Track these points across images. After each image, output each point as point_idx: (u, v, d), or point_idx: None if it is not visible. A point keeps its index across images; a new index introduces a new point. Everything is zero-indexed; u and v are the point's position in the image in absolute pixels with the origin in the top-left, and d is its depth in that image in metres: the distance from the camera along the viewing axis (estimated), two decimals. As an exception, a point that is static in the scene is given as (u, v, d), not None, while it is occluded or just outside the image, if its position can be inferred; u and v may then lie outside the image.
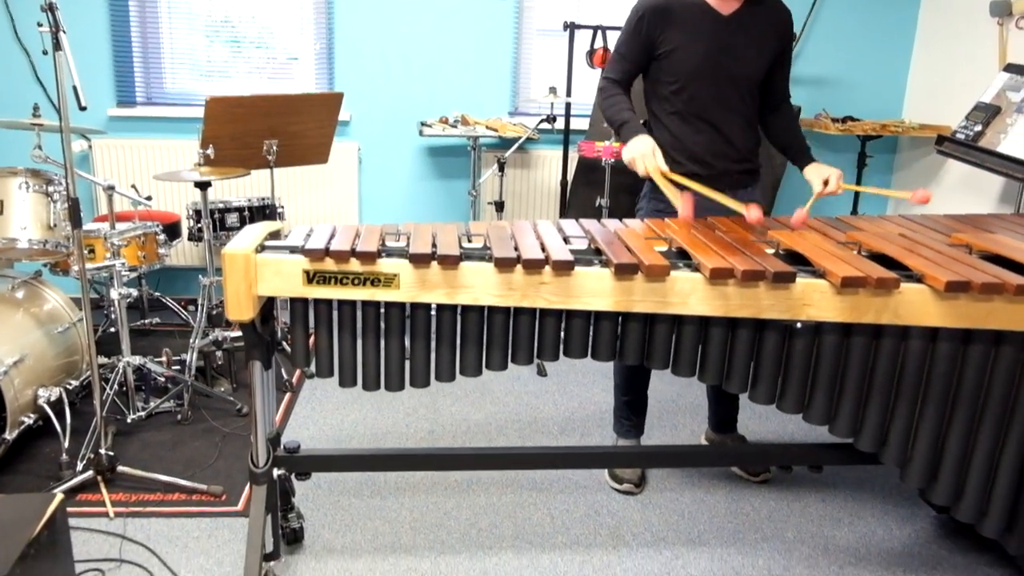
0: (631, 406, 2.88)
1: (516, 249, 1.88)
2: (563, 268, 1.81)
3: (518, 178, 4.37)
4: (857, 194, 4.27)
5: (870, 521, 2.69)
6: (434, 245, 1.90)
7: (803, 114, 4.19)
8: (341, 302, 1.91)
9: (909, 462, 2.09)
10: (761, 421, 3.33)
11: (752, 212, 2.16)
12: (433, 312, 1.94)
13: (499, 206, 3.99)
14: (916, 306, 1.84)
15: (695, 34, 2.44)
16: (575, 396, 3.52)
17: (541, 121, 3.99)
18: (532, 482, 2.81)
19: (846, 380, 1.99)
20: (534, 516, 2.63)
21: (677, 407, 3.45)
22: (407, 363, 1.98)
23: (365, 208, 4.45)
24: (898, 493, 2.84)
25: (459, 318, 1.93)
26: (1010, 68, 3.41)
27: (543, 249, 1.89)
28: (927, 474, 2.09)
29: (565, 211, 4.15)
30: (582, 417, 3.33)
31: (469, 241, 2.02)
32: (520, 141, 3.92)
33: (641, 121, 2.49)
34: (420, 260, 1.82)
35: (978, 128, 3.33)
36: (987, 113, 3.35)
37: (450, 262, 1.82)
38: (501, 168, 3.91)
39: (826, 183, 2.43)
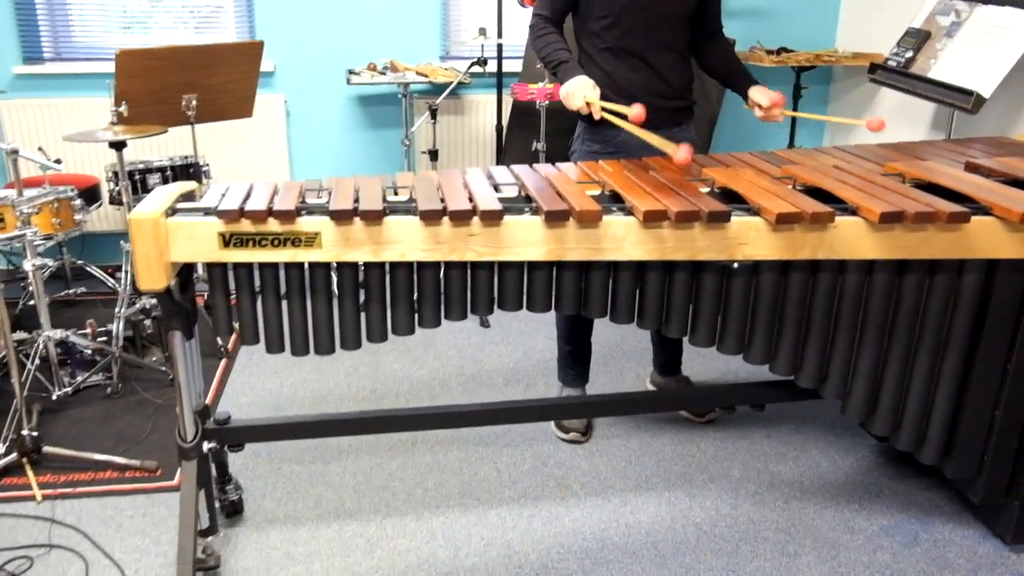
0: (574, 356, 2.85)
1: (442, 200, 1.80)
2: (492, 218, 1.74)
3: (452, 125, 4.25)
4: (793, 127, 4.24)
5: (814, 454, 2.72)
6: (356, 200, 1.80)
7: (737, 47, 4.13)
8: (262, 265, 1.81)
9: (849, 396, 2.09)
10: (705, 360, 3.33)
11: (681, 152, 2.03)
12: (361, 270, 1.85)
13: (433, 155, 3.87)
14: (851, 239, 1.81)
15: None
16: (519, 346, 3.47)
17: (472, 64, 3.87)
18: (478, 437, 2.77)
19: (785, 318, 1.96)
20: (481, 471, 2.59)
21: (621, 352, 3.43)
22: (336, 325, 1.90)
23: (296, 163, 4.30)
24: (840, 424, 2.87)
25: (387, 275, 1.85)
26: (940, -7, 3.38)
27: (471, 199, 1.81)
28: (867, 406, 2.10)
29: (502, 157, 4.06)
30: (527, 367, 3.29)
31: (395, 194, 1.93)
32: (452, 86, 3.79)
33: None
34: (341, 216, 1.73)
35: (909, 54, 3.31)
36: (918, 39, 3.33)
37: (373, 217, 1.73)
38: (433, 115, 3.79)
39: (772, 105, 2.39)
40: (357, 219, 1.74)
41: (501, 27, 3.84)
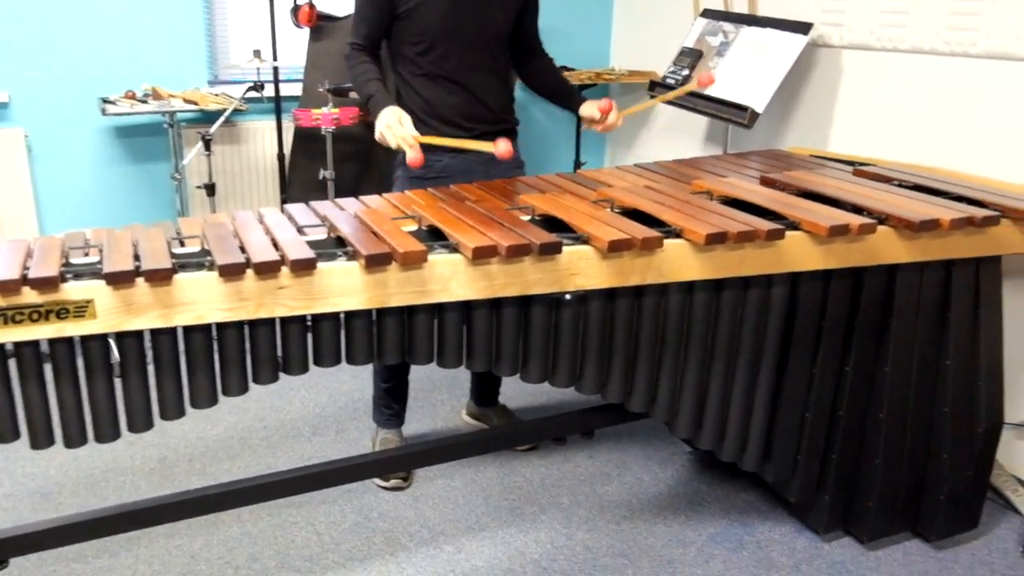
0: (392, 393, 2.68)
1: (243, 251, 1.57)
2: (304, 267, 1.54)
3: (228, 155, 3.91)
4: (578, 144, 4.31)
5: (635, 470, 2.72)
6: (137, 257, 1.53)
7: (520, 67, 4.14)
8: (19, 344, 1.48)
9: (677, 415, 2.09)
10: (520, 385, 3.26)
11: (500, 146, 2.00)
12: (148, 338, 1.58)
13: (210, 189, 3.54)
14: (677, 262, 1.80)
15: None
16: (323, 388, 3.23)
17: (248, 90, 3.57)
18: (291, 498, 2.51)
19: (614, 345, 1.92)
20: (298, 537, 2.35)
21: (432, 383, 3.29)
22: (120, 406, 1.60)
23: (44, 207, 3.75)
24: (656, 436, 2.91)
25: (181, 342, 1.59)
26: (706, 13, 3.56)
27: (276, 247, 1.60)
28: (694, 423, 2.11)
29: (287, 187, 3.79)
30: (335, 411, 3.07)
31: (182, 245, 1.67)
32: (226, 114, 3.48)
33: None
34: (120, 279, 1.45)
35: (686, 72, 3.45)
36: (691, 58, 3.47)
37: (160, 277, 1.47)
38: (207, 146, 3.45)
39: (604, 115, 2.39)
40: (140, 280, 1.47)
41: (276, 49, 3.59)
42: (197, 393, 1.62)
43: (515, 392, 3.19)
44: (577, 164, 4.28)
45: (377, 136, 2.15)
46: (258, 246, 1.58)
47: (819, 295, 2.07)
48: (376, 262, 1.56)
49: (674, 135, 4.15)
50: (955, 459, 2.23)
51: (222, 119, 3.46)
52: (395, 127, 2.10)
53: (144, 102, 3.51)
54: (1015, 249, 2.11)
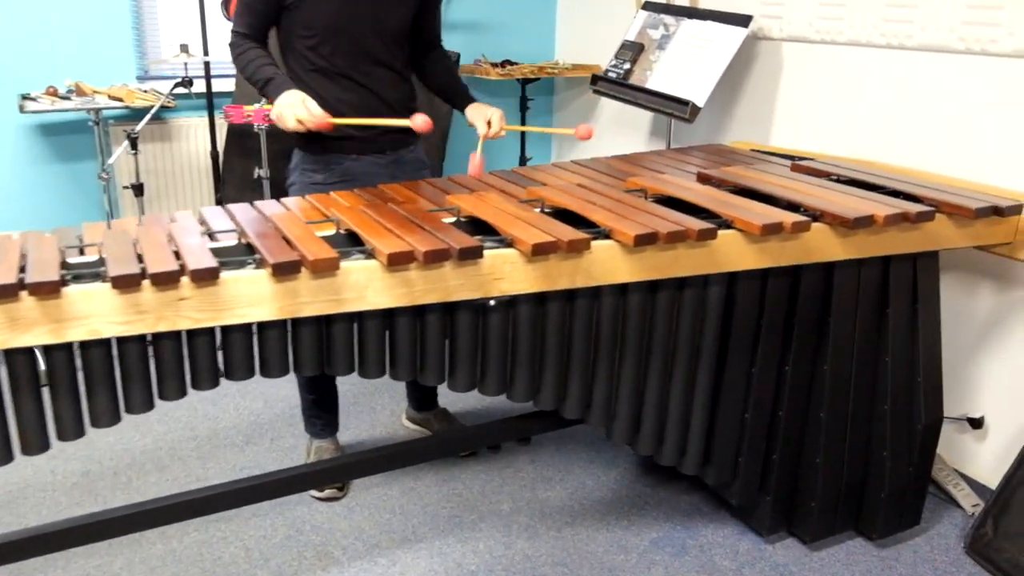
0: (320, 404, 2.59)
1: (141, 260, 1.47)
2: (205, 277, 1.44)
3: (158, 153, 3.77)
4: (523, 139, 4.25)
5: (578, 473, 2.67)
6: (23, 268, 1.42)
7: (462, 60, 4.06)
8: None
9: (614, 420, 2.03)
10: (462, 387, 3.19)
11: (417, 120, 1.92)
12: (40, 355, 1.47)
13: (138, 189, 3.40)
14: (607, 264, 1.73)
15: None
16: (258, 395, 3.12)
17: (176, 85, 3.44)
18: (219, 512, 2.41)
19: (546, 350, 1.85)
20: (225, 553, 2.25)
21: (373, 387, 3.20)
22: (12, 427, 1.50)
23: (-38, 208, 3.59)
24: (599, 438, 2.86)
25: (78, 358, 1.48)
26: (647, 6, 3.51)
27: (177, 255, 1.50)
28: (632, 429, 2.06)
29: (221, 187, 3.66)
30: (270, 418, 2.97)
31: (81, 254, 1.57)
32: (153, 110, 3.34)
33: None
34: (1, 293, 1.35)
35: (627, 66, 3.40)
36: (633, 51, 3.42)
37: (47, 290, 1.36)
38: (134, 144, 3.32)
39: (489, 124, 2.28)
40: (24, 293, 1.36)
41: (206, 43, 3.46)
42: (97, 411, 1.52)
43: (457, 395, 3.12)
44: (522, 160, 4.22)
45: (273, 115, 2.05)
46: (157, 255, 1.48)
47: (756, 294, 2.03)
48: (284, 270, 1.47)
49: (620, 130, 4.10)
50: (895, 456, 2.21)
51: (148, 116, 3.32)
52: (297, 107, 2.00)
53: (67, 99, 3.36)
54: (951, 244, 2.08)
